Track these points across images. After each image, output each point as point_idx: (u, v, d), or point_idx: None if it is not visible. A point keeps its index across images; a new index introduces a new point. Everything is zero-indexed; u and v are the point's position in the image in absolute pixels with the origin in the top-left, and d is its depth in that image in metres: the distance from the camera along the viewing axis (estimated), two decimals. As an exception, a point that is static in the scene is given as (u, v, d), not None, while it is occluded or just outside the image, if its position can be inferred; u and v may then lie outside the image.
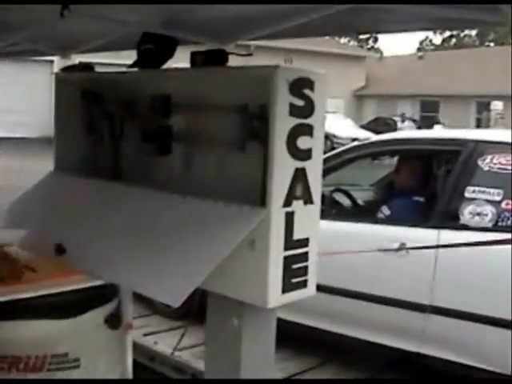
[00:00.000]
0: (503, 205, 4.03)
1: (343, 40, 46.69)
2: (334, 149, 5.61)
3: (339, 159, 5.00)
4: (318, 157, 2.34)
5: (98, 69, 3.22)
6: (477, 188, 4.15)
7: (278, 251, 2.23)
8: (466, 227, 4.12)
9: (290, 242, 2.25)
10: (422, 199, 4.70)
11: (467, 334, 4.04)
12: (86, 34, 3.46)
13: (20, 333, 2.61)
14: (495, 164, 4.16)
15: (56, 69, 3.67)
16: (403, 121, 29.77)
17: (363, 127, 30.34)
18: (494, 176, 4.16)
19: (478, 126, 31.31)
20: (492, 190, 4.09)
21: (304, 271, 2.32)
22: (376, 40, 61.85)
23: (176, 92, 2.56)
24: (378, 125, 29.97)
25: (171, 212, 2.50)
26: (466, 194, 4.17)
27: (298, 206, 2.26)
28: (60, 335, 2.67)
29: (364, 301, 4.41)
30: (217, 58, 2.58)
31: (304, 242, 2.30)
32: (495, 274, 3.94)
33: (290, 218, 2.24)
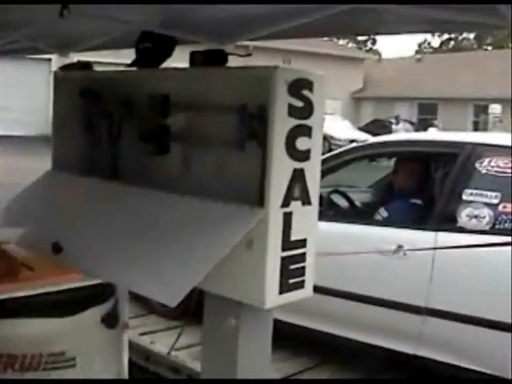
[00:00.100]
0: (500, 208, 4.03)
1: (342, 41, 46.74)
2: (331, 150, 5.61)
3: (337, 160, 5.01)
4: (317, 158, 2.34)
5: (96, 67, 3.22)
6: (474, 191, 4.16)
7: (276, 252, 2.23)
8: (463, 230, 4.13)
9: (287, 243, 2.25)
10: (419, 201, 4.70)
11: (464, 337, 4.05)
12: (84, 32, 3.46)
13: (16, 331, 2.60)
14: (493, 167, 4.17)
15: (54, 67, 3.68)
16: (397, 123, 29.79)
17: (361, 129, 30.36)
18: (491, 179, 4.17)
19: (476, 129, 31.35)
20: (489, 193, 4.09)
21: (301, 272, 2.32)
22: (374, 42, 61.99)
23: (175, 92, 2.56)
24: (376, 127, 29.97)
25: (169, 212, 2.50)
26: (464, 197, 4.17)
27: (295, 206, 2.26)
28: (56, 334, 2.67)
29: (361, 302, 4.41)
30: (216, 58, 2.58)
31: (302, 243, 2.30)
32: (492, 277, 3.95)
33: (287, 218, 2.24)
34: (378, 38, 59.71)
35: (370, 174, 6.36)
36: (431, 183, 4.92)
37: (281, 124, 2.19)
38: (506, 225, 3.99)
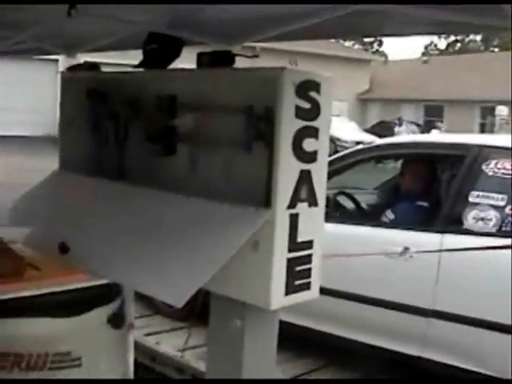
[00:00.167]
0: (507, 210, 4.02)
1: (348, 43, 46.64)
2: (337, 152, 5.60)
3: (343, 162, 5.00)
4: (323, 159, 2.34)
5: (103, 68, 3.22)
6: (481, 193, 4.15)
7: (282, 253, 2.23)
8: (469, 232, 4.12)
9: (293, 244, 2.25)
10: (425, 203, 4.70)
11: (470, 339, 4.04)
12: (91, 33, 3.47)
13: (23, 330, 2.61)
14: (499, 169, 4.16)
15: (61, 68, 3.68)
16: (400, 124, 29.75)
17: (367, 131, 30.33)
18: (498, 181, 4.16)
19: (483, 131, 31.30)
20: (496, 195, 4.08)
21: (307, 273, 2.32)
22: (381, 44, 61.89)
23: (182, 92, 2.56)
24: (382, 128, 29.95)
25: (175, 212, 2.50)
26: (470, 199, 4.17)
27: (302, 208, 2.26)
28: (62, 334, 2.67)
29: (367, 304, 4.40)
30: (223, 59, 2.58)
31: (308, 245, 2.30)
32: (499, 279, 3.93)
33: (294, 219, 2.24)
34: (385, 39, 59.54)
35: (377, 176, 6.36)
36: (437, 185, 4.91)
37: (288, 125, 2.19)
38: (513, 227, 3.98)
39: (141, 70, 2.86)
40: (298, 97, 2.20)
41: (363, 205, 5.37)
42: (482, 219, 4.08)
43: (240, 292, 2.33)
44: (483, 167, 4.21)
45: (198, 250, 2.26)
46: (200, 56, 2.62)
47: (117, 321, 2.85)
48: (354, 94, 37.65)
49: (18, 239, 3.01)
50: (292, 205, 2.23)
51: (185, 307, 2.16)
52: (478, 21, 2.29)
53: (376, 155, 5.38)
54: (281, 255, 2.22)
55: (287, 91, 2.17)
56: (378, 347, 4.41)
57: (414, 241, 4.29)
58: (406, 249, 4.24)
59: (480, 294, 4.00)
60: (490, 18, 2.20)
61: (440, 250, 4.14)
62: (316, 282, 2.36)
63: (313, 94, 2.24)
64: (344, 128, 27.21)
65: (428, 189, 4.88)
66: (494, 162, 4.18)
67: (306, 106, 2.23)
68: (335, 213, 4.87)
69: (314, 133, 2.26)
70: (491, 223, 4.05)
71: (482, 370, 3.97)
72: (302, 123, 2.22)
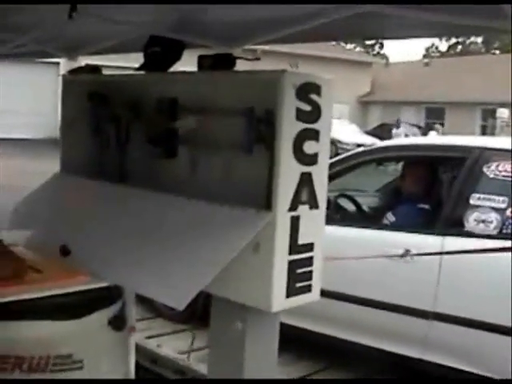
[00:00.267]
0: (508, 212, 4.02)
1: (349, 45, 46.66)
2: (338, 154, 5.61)
3: (344, 165, 5.00)
4: (324, 162, 2.34)
5: (104, 71, 3.23)
6: (482, 195, 4.15)
7: (283, 255, 2.23)
8: (470, 234, 4.12)
9: (294, 247, 2.25)
10: (426, 206, 4.70)
11: (470, 342, 4.04)
12: (93, 35, 3.47)
13: (24, 333, 2.60)
14: (500, 171, 4.16)
15: (62, 71, 3.69)
16: (398, 126, 29.73)
17: (368, 133, 30.31)
18: (499, 183, 4.16)
19: (484, 133, 31.26)
20: (497, 198, 4.08)
21: (308, 276, 2.32)
22: (382, 46, 61.84)
23: (183, 95, 2.57)
24: (383, 131, 29.91)
25: (176, 215, 2.50)
26: (471, 201, 4.17)
27: (303, 210, 2.27)
28: (64, 336, 2.67)
29: (368, 306, 4.40)
30: (224, 62, 2.59)
31: (309, 247, 2.31)
32: (500, 281, 3.93)
33: (295, 222, 2.25)
34: (386, 42, 59.52)
35: (378, 178, 6.36)
36: (438, 187, 4.91)
37: (288, 128, 2.20)
38: (514, 229, 3.98)
39: (142, 72, 2.86)
40: (299, 99, 2.20)
41: (364, 207, 5.38)
42: (483, 221, 4.07)
43: (241, 294, 2.33)
44: (484, 169, 4.21)
45: (198, 252, 2.27)
46: (201, 59, 2.63)
47: (118, 323, 2.85)
48: (355, 97, 37.65)
49: (19, 242, 3.01)
50: (293, 207, 2.24)
51: (186, 310, 2.17)
52: (479, 23, 2.29)
53: (377, 157, 5.37)
54: (282, 258, 2.22)
55: (288, 94, 2.18)
56: (379, 349, 4.41)
57: (415, 243, 4.29)
58: (407, 251, 4.24)
59: (481, 296, 4.00)
60: (490, 20, 2.20)
61: (441, 253, 4.14)
62: (317, 284, 2.36)
63: (313, 96, 2.24)
64: (345, 130, 27.21)
65: (429, 191, 4.88)
66: (494, 164, 4.18)
67: (307, 108, 2.23)
68: (336, 215, 4.87)
69: (314, 135, 2.27)
70: (492, 225, 4.05)
71: (483, 372, 3.97)
72: (302, 126, 2.23)
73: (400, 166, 5.46)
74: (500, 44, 54.66)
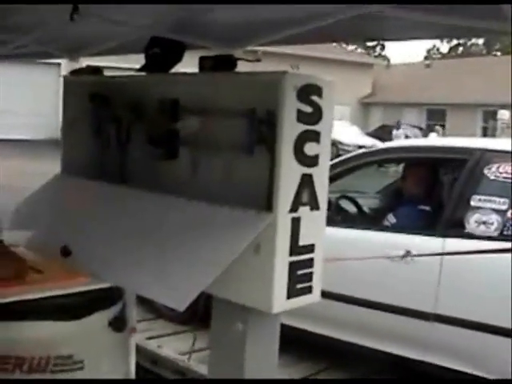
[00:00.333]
0: (509, 214, 4.02)
1: (350, 47, 46.69)
2: (339, 156, 5.61)
3: (345, 166, 5.00)
4: (325, 163, 2.34)
5: (106, 72, 3.23)
6: (483, 197, 4.15)
7: (284, 256, 2.23)
8: (471, 236, 4.12)
9: (295, 248, 2.26)
10: (427, 207, 4.70)
11: (471, 343, 4.03)
12: (94, 37, 3.47)
13: (25, 334, 2.60)
14: (501, 173, 4.16)
15: (63, 71, 3.69)
16: (398, 128, 29.74)
17: (369, 134, 30.31)
18: (499, 185, 4.16)
19: (485, 134, 31.25)
20: (498, 199, 4.08)
21: (309, 277, 2.33)
22: (383, 47, 61.89)
23: (184, 96, 2.57)
24: (384, 132, 29.91)
25: (177, 216, 2.50)
26: (472, 203, 4.17)
27: (304, 211, 2.27)
28: (64, 337, 2.67)
29: (368, 308, 4.40)
30: (225, 64, 2.59)
31: (309, 248, 2.31)
32: (500, 283, 3.93)
33: (295, 223, 2.25)
34: (387, 43, 59.52)
35: (379, 180, 6.36)
36: (439, 189, 4.91)
37: (289, 129, 2.20)
38: (515, 231, 3.98)
39: (143, 74, 2.86)
40: (300, 101, 2.21)
41: (365, 209, 5.38)
42: (484, 223, 4.07)
43: (242, 295, 2.33)
44: (485, 171, 4.21)
45: (199, 253, 2.27)
46: (202, 60, 2.63)
47: (118, 324, 2.85)
48: (356, 98, 37.66)
49: (20, 242, 3.01)
50: (294, 209, 2.24)
51: (187, 311, 2.17)
52: (479, 24, 2.29)
53: (378, 159, 5.38)
54: (282, 259, 2.23)
55: (289, 95, 2.18)
56: (380, 351, 4.40)
57: (416, 244, 4.29)
58: (408, 252, 4.24)
59: (482, 297, 4.00)
60: (490, 22, 2.20)
61: (442, 254, 4.14)
62: (317, 285, 2.36)
63: (314, 97, 2.24)
64: (346, 132, 27.20)
65: (430, 193, 4.88)
66: (495, 165, 4.18)
67: (308, 109, 2.23)
68: (337, 216, 4.87)
69: (315, 137, 2.27)
70: (493, 227, 4.05)
71: (483, 374, 3.97)
72: (303, 127, 2.23)
73: (401, 167, 5.45)
74: (501, 46, 54.66)
